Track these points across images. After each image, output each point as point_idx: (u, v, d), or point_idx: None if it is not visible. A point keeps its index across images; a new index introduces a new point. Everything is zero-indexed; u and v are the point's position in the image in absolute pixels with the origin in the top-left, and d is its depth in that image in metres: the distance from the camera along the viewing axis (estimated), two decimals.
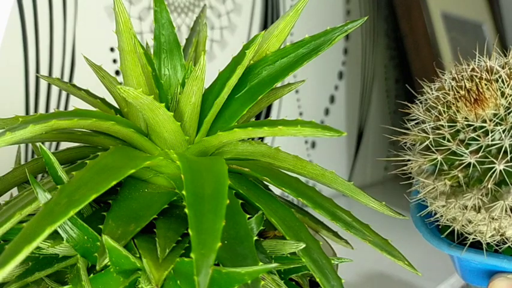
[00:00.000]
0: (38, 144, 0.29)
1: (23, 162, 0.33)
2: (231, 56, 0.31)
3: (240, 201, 0.29)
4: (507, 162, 0.29)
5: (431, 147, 0.31)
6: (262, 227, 0.29)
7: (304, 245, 0.28)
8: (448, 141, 0.30)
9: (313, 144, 0.88)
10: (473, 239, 0.31)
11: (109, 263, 0.25)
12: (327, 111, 0.90)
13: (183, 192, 0.23)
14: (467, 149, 0.30)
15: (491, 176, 0.29)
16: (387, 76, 1.05)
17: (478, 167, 0.30)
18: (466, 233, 0.32)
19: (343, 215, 0.32)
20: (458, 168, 0.30)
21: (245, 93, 0.32)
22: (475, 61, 0.32)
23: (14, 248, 0.20)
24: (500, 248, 0.32)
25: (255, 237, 0.27)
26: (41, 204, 0.25)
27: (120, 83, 0.33)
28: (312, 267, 0.28)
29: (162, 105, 0.27)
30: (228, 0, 0.72)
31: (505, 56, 0.33)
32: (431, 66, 0.85)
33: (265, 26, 0.77)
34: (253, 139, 0.34)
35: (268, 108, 0.78)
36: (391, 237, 0.33)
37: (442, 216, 0.32)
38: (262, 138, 0.70)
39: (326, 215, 0.31)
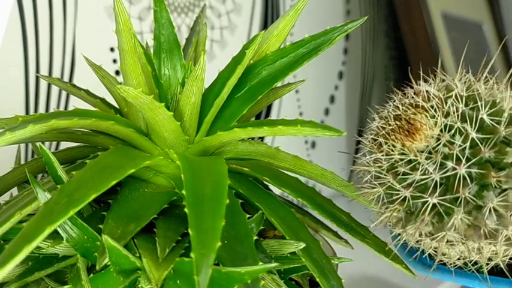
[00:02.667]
0: (37, 144, 0.29)
1: (23, 162, 0.33)
2: (231, 56, 0.31)
3: (240, 201, 0.29)
4: (440, 195, 0.28)
5: (371, 179, 0.31)
6: (262, 227, 0.29)
7: (304, 245, 0.28)
8: (385, 175, 0.30)
9: (313, 144, 0.88)
10: (441, 261, 0.31)
11: (109, 263, 0.25)
12: (327, 111, 0.90)
13: (183, 192, 0.23)
14: (401, 183, 0.29)
15: (426, 209, 0.29)
16: (387, 76, 1.05)
17: (411, 201, 0.29)
18: (434, 255, 0.31)
19: (342, 216, 0.32)
20: (397, 202, 0.30)
21: (245, 93, 0.32)
22: (423, 83, 0.31)
23: (13, 248, 0.20)
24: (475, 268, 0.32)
25: (255, 237, 0.27)
26: (40, 204, 0.25)
27: (120, 83, 0.33)
28: (311, 267, 0.28)
29: (162, 105, 0.27)
30: (228, 0, 0.72)
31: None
32: (431, 66, 0.85)
33: (265, 26, 0.77)
34: (253, 139, 0.34)
35: (268, 108, 0.78)
36: (388, 238, 0.33)
37: (407, 240, 0.32)
38: (262, 138, 0.70)
39: (325, 216, 0.31)
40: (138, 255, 0.25)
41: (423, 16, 0.87)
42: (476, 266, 0.31)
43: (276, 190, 0.33)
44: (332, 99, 0.91)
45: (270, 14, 0.78)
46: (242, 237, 0.26)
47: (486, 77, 0.31)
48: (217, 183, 0.24)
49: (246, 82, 0.32)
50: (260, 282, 0.24)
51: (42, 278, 0.27)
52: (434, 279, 0.33)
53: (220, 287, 0.23)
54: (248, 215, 0.28)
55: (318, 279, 0.27)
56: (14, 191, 0.32)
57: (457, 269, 0.32)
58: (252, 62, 0.32)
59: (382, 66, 1.04)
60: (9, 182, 0.31)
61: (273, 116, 0.79)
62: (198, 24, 0.39)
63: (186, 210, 0.22)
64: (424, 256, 0.33)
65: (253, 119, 0.35)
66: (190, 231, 0.21)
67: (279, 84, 0.32)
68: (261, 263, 0.25)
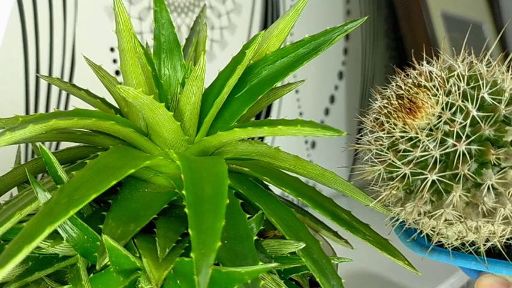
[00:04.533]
0: (37, 144, 0.29)
1: (23, 162, 0.33)
2: (231, 56, 0.31)
3: (240, 201, 0.29)
4: (439, 172, 0.29)
5: (372, 158, 0.31)
6: (262, 227, 0.29)
7: (304, 245, 0.28)
8: (386, 153, 0.30)
9: (313, 144, 0.88)
10: (439, 241, 0.31)
11: (109, 263, 0.25)
12: (327, 111, 0.90)
13: (183, 192, 0.23)
14: (401, 160, 0.30)
15: (425, 186, 0.29)
16: (387, 76, 1.05)
17: (411, 178, 0.30)
18: (432, 235, 0.32)
19: (343, 214, 0.32)
20: (396, 179, 0.30)
21: (245, 93, 0.32)
22: (425, 64, 0.32)
23: (14, 248, 0.20)
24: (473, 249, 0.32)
25: (255, 237, 0.27)
26: (40, 203, 0.25)
27: (120, 83, 0.33)
28: (311, 267, 0.28)
29: (162, 105, 0.27)
30: (228, 0, 0.72)
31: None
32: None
33: (265, 26, 0.77)
34: (253, 139, 0.34)
35: (268, 108, 0.78)
36: (390, 237, 0.33)
37: (406, 220, 0.32)
38: (262, 138, 0.70)
39: (326, 214, 0.31)
40: (138, 255, 0.25)
41: (423, 16, 0.87)
42: (473, 247, 0.31)
43: (276, 190, 0.33)
44: (332, 99, 0.91)
45: (270, 14, 0.78)
46: (242, 237, 0.26)
47: (488, 59, 0.31)
48: (217, 183, 0.24)
49: (246, 82, 0.32)
50: (260, 282, 0.24)
51: (42, 278, 0.27)
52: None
53: (220, 287, 0.23)
54: (248, 215, 0.28)
55: (318, 279, 0.27)
56: (14, 191, 0.32)
57: (454, 250, 0.32)
58: (252, 62, 0.32)
59: (382, 66, 1.04)
60: (9, 182, 0.31)
61: (273, 116, 0.79)
62: (198, 24, 0.39)
63: (186, 210, 0.22)
64: (421, 236, 0.33)
65: (253, 119, 0.35)
66: (190, 231, 0.21)
67: (279, 84, 0.32)
68: (261, 263, 0.25)
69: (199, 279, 0.20)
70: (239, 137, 0.29)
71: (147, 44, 0.36)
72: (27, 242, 0.21)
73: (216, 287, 0.23)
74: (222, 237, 0.22)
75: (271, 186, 0.32)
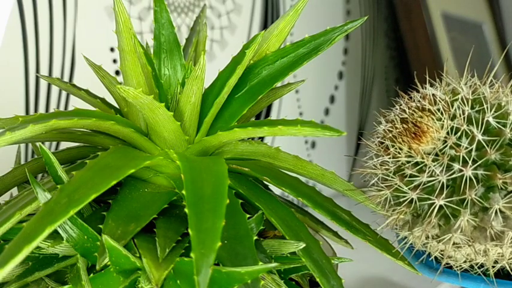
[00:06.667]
0: (37, 144, 0.29)
1: (23, 162, 0.33)
2: (231, 56, 0.31)
3: (240, 201, 0.29)
4: (447, 197, 0.29)
5: (378, 182, 0.31)
6: (262, 227, 0.29)
7: (304, 245, 0.28)
8: (392, 177, 0.30)
9: (313, 144, 0.88)
10: (447, 264, 0.31)
11: (109, 263, 0.25)
12: (327, 111, 0.90)
13: (183, 192, 0.23)
14: (408, 185, 0.30)
15: (432, 211, 0.29)
16: (387, 76, 1.05)
17: (418, 203, 0.30)
18: (440, 258, 0.32)
19: (343, 214, 0.32)
20: (404, 204, 0.30)
21: (245, 93, 0.32)
22: (429, 87, 0.32)
23: (14, 248, 0.20)
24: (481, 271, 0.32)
25: (255, 237, 0.27)
26: (40, 203, 0.25)
27: (120, 83, 0.33)
28: (311, 267, 0.28)
29: (162, 105, 0.27)
30: (228, 0, 0.72)
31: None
32: (431, 66, 0.85)
33: (265, 26, 0.77)
34: (253, 139, 0.34)
35: (268, 108, 0.78)
36: (390, 236, 0.33)
37: (414, 243, 0.32)
38: (262, 138, 0.70)
39: (326, 214, 0.31)
40: (138, 255, 0.25)
41: (423, 16, 0.87)
42: (482, 269, 0.31)
43: (276, 190, 0.33)
44: (332, 99, 0.91)
45: (270, 14, 0.78)
46: (242, 237, 0.26)
47: (491, 81, 0.31)
48: (217, 183, 0.24)
49: (246, 82, 0.32)
50: (260, 282, 0.24)
51: (42, 278, 0.27)
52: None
53: (220, 287, 0.23)
54: (248, 215, 0.28)
55: (318, 279, 0.27)
56: (14, 191, 0.32)
57: (463, 272, 0.32)
58: (252, 62, 0.32)
59: (382, 66, 1.04)
60: (9, 182, 0.31)
61: (273, 116, 0.79)
62: (198, 24, 0.39)
63: (186, 210, 0.22)
64: (430, 259, 0.33)
65: (253, 119, 0.35)
66: (190, 231, 0.21)
67: (279, 84, 0.32)
68: (261, 263, 0.25)
69: (199, 279, 0.20)
70: (239, 137, 0.29)
71: (147, 44, 0.36)
72: (27, 242, 0.21)
73: (216, 287, 0.23)
74: (222, 237, 0.22)
75: (271, 186, 0.32)
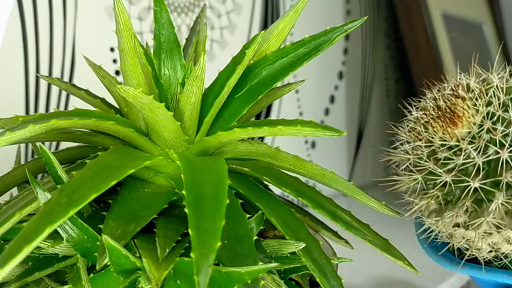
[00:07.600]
0: (37, 144, 0.29)
1: (23, 162, 0.33)
2: (231, 56, 0.31)
3: (240, 201, 0.29)
4: (482, 179, 0.29)
5: (410, 167, 0.32)
6: (262, 227, 0.29)
7: (304, 245, 0.28)
8: (425, 161, 0.31)
9: (313, 144, 0.88)
10: (472, 255, 0.32)
11: (109, 263, 0.25)
12: (327, 111, 0.90)
13: (183, 192, 0.23)
14: (442, 168, 0.30)
15: (467, 194, 0.29)
16: (387, 76, 1.05)
17: (453, 185, 0.30)
18: (464, 249, 0.32)
19: (343, 214, 0.32)
20: (437, 187, 0.30)
21: (245, 93, 0.32)
22: (462, 77, 0.33)
23: (13, 248, 0.20)
24: (500, 263, 0.32)
25: (255, 237, 0.27)
26: (40, 203, 0.25)
27: (120, 83, 0.33)
28: (312, 267, 0.28)
29: (162, 105, 0.27)
30: (228, 0, 0.72)
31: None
32: (431, 66, 0.85)
33: (265, 26, 0.77)
34: (253, 139, 0.34)
35: (268, 108, 0.78)
36: (390, 237, 0.33)
37: (440, 232, 0.32)
38: (262, 138, 0.70)
39: (326, 214, 0.31)
40: (138, 255, 0.25)
41: (423, 16, 0.87)
42: (507, 260, 0.31)
43: (276, 190, 0.33)
44: (332, 99, 0.91)
45: (270, 14, 0.78)
46: (242, 237, 0.26)
47: None
48: (217, 183, 0.24)
49: (246, 82, 0.32)
50: (260, 282, 0.24)
51: (42, 278, 0.27)
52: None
53: (220, 287, 0.23)
54: (248, 215, 0.28)
55: (318, 279, 0.27)
56: (14, 191, 0.32)
57: (486, 265, 0.32)
58: (252, 62, 0.32)
59: (382, 66, 1.04)
60: (9, 182, 0.31)
61: (273, 116, 0.79)
62: (198, 24, 0.39)
63: (186, 210, 0.22)
64: (449, 251, 0.33)
65: (253, 119, 0.35)
66: (190, 231, 0.21)
67: (279, 84, 0.32)
68: (261, 263, 0.25)
69: (199, 279, 0.20)
70: (239, 137, 0.29)
71: (147, 44, 0.36)
72: (27, 242, 0.21)
73: (216, 287, 0.23)
74: (222, 237, 0.22)
75: (271, 186, 0.32)
